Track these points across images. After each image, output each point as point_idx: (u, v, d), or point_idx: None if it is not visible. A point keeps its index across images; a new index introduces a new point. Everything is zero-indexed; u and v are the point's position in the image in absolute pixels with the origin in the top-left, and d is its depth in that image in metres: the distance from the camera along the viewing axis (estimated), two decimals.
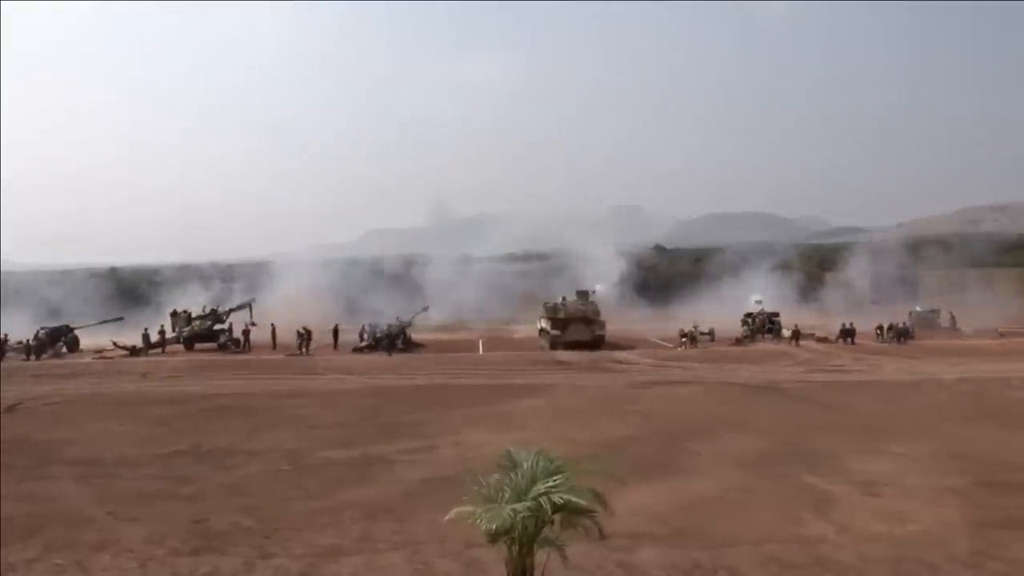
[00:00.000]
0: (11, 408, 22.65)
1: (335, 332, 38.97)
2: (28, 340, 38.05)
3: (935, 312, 42.29)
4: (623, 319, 41.98)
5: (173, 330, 40.25)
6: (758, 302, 41.27)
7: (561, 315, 37.75)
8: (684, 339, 37.75)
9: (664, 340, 39.13)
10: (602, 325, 37.62)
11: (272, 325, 39.24)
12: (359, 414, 20.65)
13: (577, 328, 37.19)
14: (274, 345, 38.68)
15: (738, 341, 38.26)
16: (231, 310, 41.89)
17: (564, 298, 39.25)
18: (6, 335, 38.65)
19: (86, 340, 40.56)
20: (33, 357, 37.09)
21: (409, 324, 38.98)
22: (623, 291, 52.62)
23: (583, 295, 39.61)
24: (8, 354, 37.64)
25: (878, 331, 38.11)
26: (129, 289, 60.38)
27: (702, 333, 38.76)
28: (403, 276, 54.27)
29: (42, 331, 39.02)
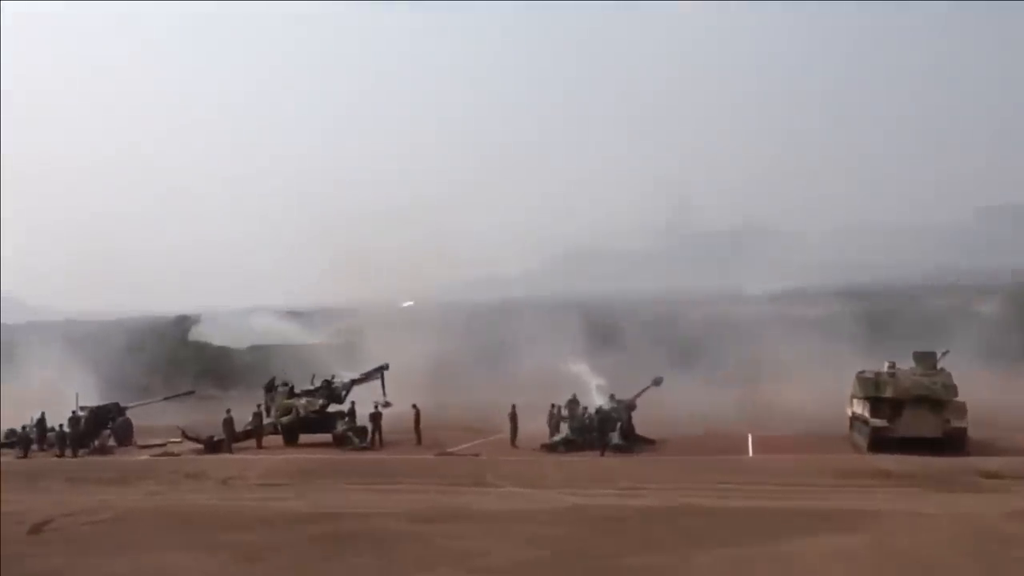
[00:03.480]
0: (37, 528, 24.15)
1: (513, 418, 38.85)
2: (61, 426, 40.30)
3: None
4: (994, 399, 39.18)
5: (268, 413, 41.54)
6: None
7: (888, 394, 35.87)
8: None
9: None
10: (962, 411, 35.25)
11: (415, 407, 39.76)
12: (549, 551, 20.70)
13: (918, 416, 35.23)
14: (418, 438, 39.14)
15: None
16: (354, 381, 42.76)
17: (892, 364, 37.28)
18: (43, 414, 41.27)
19: (142, 424, 43.04)
20: (69, 451, 39.45)
21: (633, 406, 38.46)
22: (991, 351, 49.92)
23: (926, 359, 37.38)
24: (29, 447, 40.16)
25: None
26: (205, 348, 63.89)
27: None
28: (627, 325, 53.88)
29: (81, 412, 41.30)
